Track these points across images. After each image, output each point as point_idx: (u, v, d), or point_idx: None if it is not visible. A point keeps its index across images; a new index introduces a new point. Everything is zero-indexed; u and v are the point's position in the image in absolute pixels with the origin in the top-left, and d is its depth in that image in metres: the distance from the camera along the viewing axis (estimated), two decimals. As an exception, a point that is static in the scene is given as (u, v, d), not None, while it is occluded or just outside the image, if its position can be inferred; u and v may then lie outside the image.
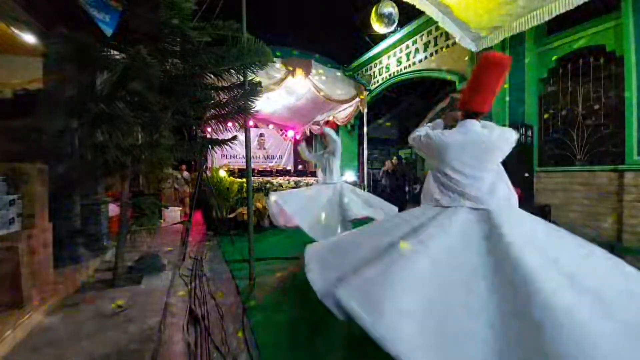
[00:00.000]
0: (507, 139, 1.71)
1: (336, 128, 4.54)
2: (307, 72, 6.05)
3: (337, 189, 3.98)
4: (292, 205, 3.72)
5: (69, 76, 2.65)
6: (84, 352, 1.59)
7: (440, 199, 1.77)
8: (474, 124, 1.75)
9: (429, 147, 1.83)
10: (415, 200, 7.59)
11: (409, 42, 7.52)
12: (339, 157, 4.17)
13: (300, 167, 10.64)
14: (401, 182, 6.11)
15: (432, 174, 1.87)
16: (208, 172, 5.12)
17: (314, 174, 7.53)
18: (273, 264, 3.58)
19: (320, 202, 3.84)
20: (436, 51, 6.83)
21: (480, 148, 1.69)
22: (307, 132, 10.24)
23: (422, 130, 1.93)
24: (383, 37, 8.07)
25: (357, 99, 7.23)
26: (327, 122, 4.72)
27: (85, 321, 1.91)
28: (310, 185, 6.07)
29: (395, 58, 8.00)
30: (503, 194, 1.66)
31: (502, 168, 1.75)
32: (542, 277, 1.19)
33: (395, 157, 7.91)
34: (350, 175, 7.78)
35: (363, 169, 8.13)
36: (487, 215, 1.57)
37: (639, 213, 3.96)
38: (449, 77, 6.58)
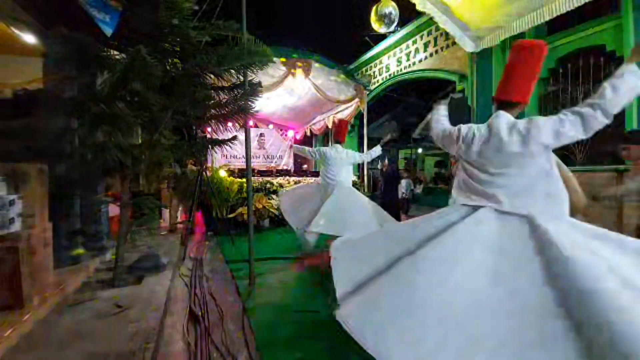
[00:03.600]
0: (530, 132, 1.44)
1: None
2: (307, 72, 6.05)
3: (331, 188, 3.79)
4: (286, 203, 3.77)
5: (69, 76, 2.65)
6: (84, 351, 1.59)
7: (458, 197, 1.63)
8: (501, 117, 1.55)
9: (452, 141, 1.68)
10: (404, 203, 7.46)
11: (409, 42, 7.52)
12: (329, 164, 3.94)
13: (305, 166, 10.64)
14: (390, 183, 6.27)
15: (458, 170, 1.74)
16: (208, 172, 5.12)
17: (314, 174, 7.53)
18: (273, 264, 3.58)
19: (306, 195, 3.88)
20: (436, 51, 6.83)
21: (501, 146, 1.49)
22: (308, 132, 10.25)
23: (440, 124, 1.84)
24: (383, 37, 8.07)
25: (357, 99, 7.24)
26: (341, 121, 4.53)
27: (85, 321, 1.91)
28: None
29: (395, 58, 8.00)
30: (537, 196, 1.43)
31: (551, 166, 1.48)
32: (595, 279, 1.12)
33: (387, 159, 7.89)
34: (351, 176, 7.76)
35: (363, 169, 8.13)
36: (515, 220, 1.41)
37: (639, 213, 3.96)
38: (449, 77, 6.59)
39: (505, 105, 1.59)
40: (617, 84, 1.32)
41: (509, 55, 1.65)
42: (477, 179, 1.58)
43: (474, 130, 1.62)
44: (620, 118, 4.22)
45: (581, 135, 1.40)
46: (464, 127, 1.67)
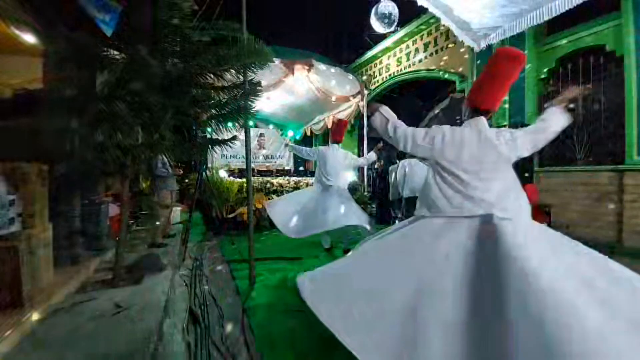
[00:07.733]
0: (505, 140, 1.57)
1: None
2: (307, 71, 6.04)
3: (324, 193, 3.80)
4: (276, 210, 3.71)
5: (69, 76, 2.65)
6: (84, 352, 1.59)
7: (443, 205, 1.56)
8: (485, 123, 1.62)
9: (429, 143, 1.63)
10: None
11: (409, 42, 7.52)
12: (327, 165, 3.90)
13: (301, 168, 10.64)
14: (382, 182, 6.33)
15: (434, 175, 1.65)
16: (208, 172, 5.11)
17: (314, 174, 7.54)
18: (273, 264, 3.58)
19: (301, 202, 3.82)
20: (436, 51, 6.83)
21: (493, 151, 1.55)
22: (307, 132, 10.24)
23: (403, 125, 1.79)
24: (383, 37, 8.07)
25: (357, 99, 7.23)
26: (340, 121, 4.42)
27: (85, 321, 1.91)
28: (310, 185, 6.06)
29: (395, 58, 8.00)
30: (514, 199, 1.52)
31: (513, 172, 1.61)
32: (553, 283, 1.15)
33: (381, 159, 7.89)
34: (350, 176, 7.76)
35: (363, 169, 8.12)
36: (497, 223, 1.42)
37: (639, 213, 3.96)
38: (449, 77, 6.59)
39: (483, 112, 1.66)
40: (555, 123, 1.60)
41: (494, 61, 1.63)
42: (464, 183, 1.53)
43: (459, 133, 1.61)
44: (620, 119, 4.22)
45: (529, 153, 1.63)
46: (447, 129, 1.63)
